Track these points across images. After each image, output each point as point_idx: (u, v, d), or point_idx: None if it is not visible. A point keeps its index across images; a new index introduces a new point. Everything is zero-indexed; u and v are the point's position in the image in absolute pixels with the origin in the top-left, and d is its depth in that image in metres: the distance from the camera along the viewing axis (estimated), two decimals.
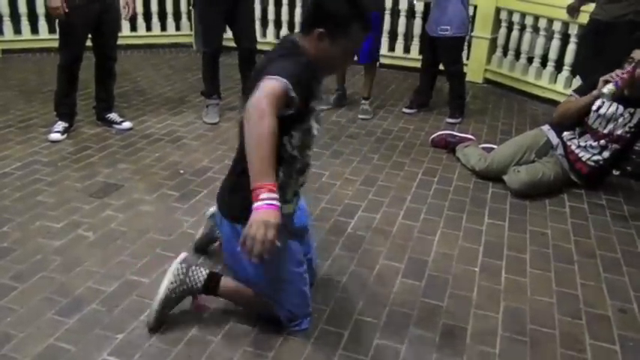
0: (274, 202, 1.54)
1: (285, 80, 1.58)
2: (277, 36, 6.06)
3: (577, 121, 3.25)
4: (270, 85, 1.57)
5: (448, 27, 4.03)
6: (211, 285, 2.01)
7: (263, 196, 1.53)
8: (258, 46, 4.14)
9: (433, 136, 3.81)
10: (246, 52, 4.07)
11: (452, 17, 4.02)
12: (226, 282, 2.02)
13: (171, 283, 1.98)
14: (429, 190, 3.18)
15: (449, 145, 3.68)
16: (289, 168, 1.85)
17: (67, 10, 3.29)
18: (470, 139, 3.67)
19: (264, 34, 5.95)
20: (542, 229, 2.83)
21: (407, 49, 5.72)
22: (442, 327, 2.10)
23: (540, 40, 4.89)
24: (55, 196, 2.90)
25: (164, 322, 2.00)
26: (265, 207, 1.52)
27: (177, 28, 6.25)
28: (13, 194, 2.90)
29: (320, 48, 1.76)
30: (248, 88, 1.73)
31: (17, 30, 5.60)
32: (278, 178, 1.74)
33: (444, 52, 4.19)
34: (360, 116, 4.30)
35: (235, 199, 1.86)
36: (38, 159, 3.32)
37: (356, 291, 2.27)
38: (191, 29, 6.23)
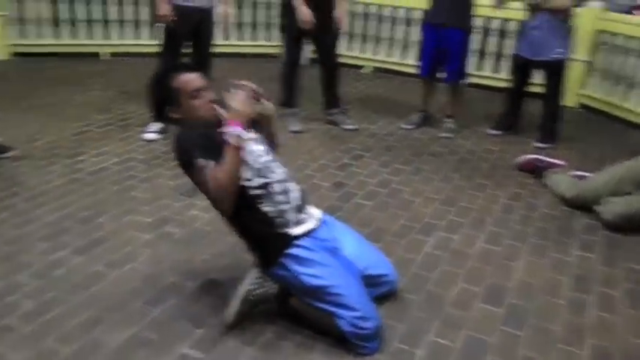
0: (231, 133, 1.85)
1: (201, 161, 1.88)
2: None
3: None
4: (201, 177, 1.90)
5: (563, 50, 3.95)
6: (285, 295, 2.09)
7: (240, 145, 1.87)
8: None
9: (520, 159, 3.69)
10: (328, 67, 4.23)
11: (566, 40, 3.96)
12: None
13: (251, 285, 2.06)
14: (512, 215, 3.08)
15: (536, 170, 3.56)
16: (269, 196, 1.99)
17: (175, 18, 3.50)
18: (560, 165, 3.53)
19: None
20: (638, 266, 2.66)
21: (496, 69, 5.59)
22: (521, 358, 2.02)
23: None
24: (148, 192, 3.08)
25: (240, 321, 2.06)
26: (236, 134, 1.85)
27: (268, 38, 6.46)
28: (111, 188, 3.10)
29: (182, 114, 2.03)
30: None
31: (122, 35, 6.01)
32: (269, 212, 1.98)
33: (552, 75, 4.07)
34: (443, 134, 4.25)
35: (261, 252, 2.06)
36: (134, 156, 3.54)
37: (432, 311, 2.24)
38: (280, 40, 6.41)
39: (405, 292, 2.34)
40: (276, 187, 2.02)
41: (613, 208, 2.97)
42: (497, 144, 4.16)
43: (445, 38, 4.06)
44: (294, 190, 2.10)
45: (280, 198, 2.02)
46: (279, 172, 2.08)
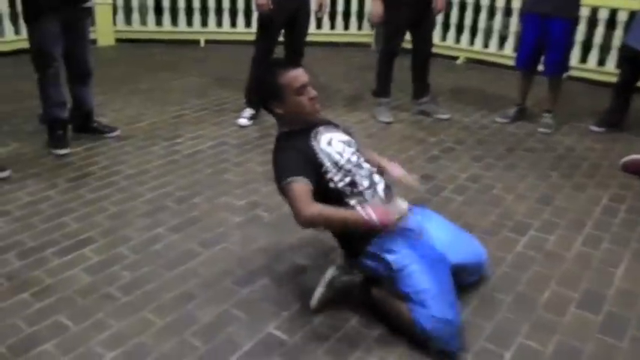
0: (373, 212, 1.87)
1: (293, 178, 1.90)
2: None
3: None
4: (292, 194, 1.89)
5: None
6: (367, 284, 2.08)
7: (366, 218, 1.87)
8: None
9: (625, 159, 3.44)
10: (423, 55, 4.16)
11: None
12: (380, 289, 2.06)
13: (336, 271, 2.09)
14: (614, 218, 2.89)
15: None
16: (356, 192, 1.99)
17: (271, 7, 3.57)
18: None
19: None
20: None
21: (601, 62, 5.24)
22: None
23: None
24: (239, 176, 3.18)
25: (325, 307, 2.08)
26: (379, 217, 1.87)
27: (359, 27, 6.43)
28: (205, 170, 3.23)
29: (285, 110, 2.05)
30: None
31: (219, 23, 6.21)
32: (357, 204, 1.98)
33: None
34: (541, 130, 4.04)
35: (347, 243, 2.10)
36: (227, 141, 3.66)
37: (522, 313, 2.15)
38: (372, 29, 6.37)
39: (493, 291, 2.26)
40: (364, 183, 2.04)
41: None
42: (600, 142, 3.90)
43: (549, 28, 3.84)
44: (380, 183, 2.10)
45: (368, 193, 2.02)
46: (365, 166, 2.09)
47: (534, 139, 3.93)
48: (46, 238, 2.51)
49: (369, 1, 6.21)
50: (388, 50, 4.10)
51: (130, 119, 3.95)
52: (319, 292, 2.06)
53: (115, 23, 6.06)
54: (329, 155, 2.01)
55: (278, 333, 1.99)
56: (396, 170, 2.22)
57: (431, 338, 1.89)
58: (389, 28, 4.01)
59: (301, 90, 2.02)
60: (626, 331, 2.08)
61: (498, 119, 4.23)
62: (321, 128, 2.10)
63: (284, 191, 1.94)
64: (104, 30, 5.96)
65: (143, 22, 6.14)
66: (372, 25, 3.96)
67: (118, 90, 4.56)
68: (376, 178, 2.09)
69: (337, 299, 2.11)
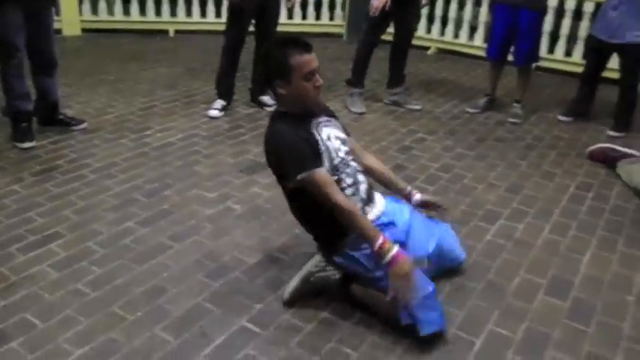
0: (394, 249, 1.85)
1: (309, 172, 1.90)
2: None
3: None
4: (318, 182, 1.91)
5: None
6: (346, 280, 2.08)
7: (385, 251, 1.85)
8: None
9: (591, 147, 3.52)
10: (404, 45, 4.18)
11: None
12: (358, 285, 2.06)
13: (314, 267, 2.07)
14: (581, 206, 2.95)
15: (608, 160, 3.38)
16: (340, 189, 1.98)
17: None
18: (635, 156, 3.34)
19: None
20: None
21: (568, 53, 5.33)
22: (586, 355, 1.94)
23: None
24: (210, 168, 3.14)
25: (298, 300, 2.08)
26: (393, 259, 1.83)
27: (331, 18, 6.40)
28: (175, 162, 3.19)
29: (288, 91, 1.98)
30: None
31: (188, 13, 6.10)
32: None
33: (629, 59, 3.83)
34: (510, 120, 4.10)
35: (324, 240, 2.10)
36: (198, 132, 3.61)
37: (492, 301, 2.18)
38: (343, 20, 6.35)
39: (464, 280, 2.29)
40: (348, 180, 2.03)
41: None
42: (567, 131, 3.98)
43: (518, 19, 3.88)
44: (363, 182, 2.09)
45: (349, 191, 2.02)
46: (352, 164, 2.09)
47: (504, 129, 3.98)
48: (11, 233, 2.45)
49: None
50: (371, 40, 4.08)
51: (97, 111, 3.86)
52: (292, 285, 2.06)
53: (81, 12, 5.90)
54: (327, 149, 2.00)
55: (251, 326, 1.98)
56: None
57: (418, 323, 1.88)
58: (376, 19, 3.97)
59: (309, 76, 1.96)
60: (592, 316, 2.13)
61: (469, 109, 4.27)
62: (321, 119, 2.07)
63: (304, 181, 1.91)
64: (70, 19, 5.79)
65: (110, 11, 5.99)
66: (368, 13, 3.89)
67: (85, 81, 4.45)
68: (360, 177, 2.09)
69: (311, 293, 2.10)
